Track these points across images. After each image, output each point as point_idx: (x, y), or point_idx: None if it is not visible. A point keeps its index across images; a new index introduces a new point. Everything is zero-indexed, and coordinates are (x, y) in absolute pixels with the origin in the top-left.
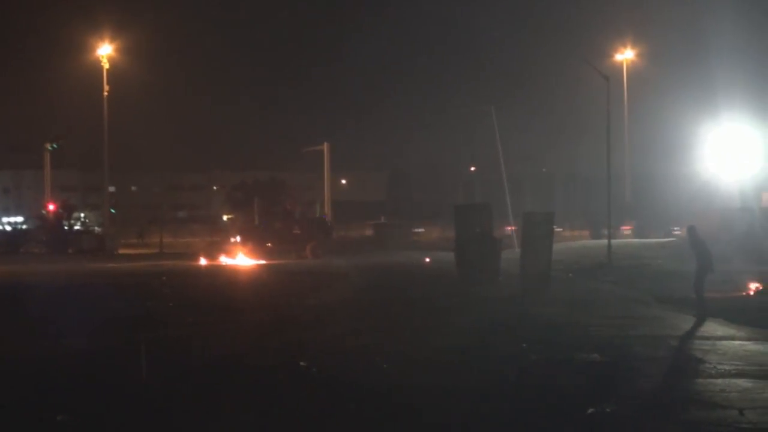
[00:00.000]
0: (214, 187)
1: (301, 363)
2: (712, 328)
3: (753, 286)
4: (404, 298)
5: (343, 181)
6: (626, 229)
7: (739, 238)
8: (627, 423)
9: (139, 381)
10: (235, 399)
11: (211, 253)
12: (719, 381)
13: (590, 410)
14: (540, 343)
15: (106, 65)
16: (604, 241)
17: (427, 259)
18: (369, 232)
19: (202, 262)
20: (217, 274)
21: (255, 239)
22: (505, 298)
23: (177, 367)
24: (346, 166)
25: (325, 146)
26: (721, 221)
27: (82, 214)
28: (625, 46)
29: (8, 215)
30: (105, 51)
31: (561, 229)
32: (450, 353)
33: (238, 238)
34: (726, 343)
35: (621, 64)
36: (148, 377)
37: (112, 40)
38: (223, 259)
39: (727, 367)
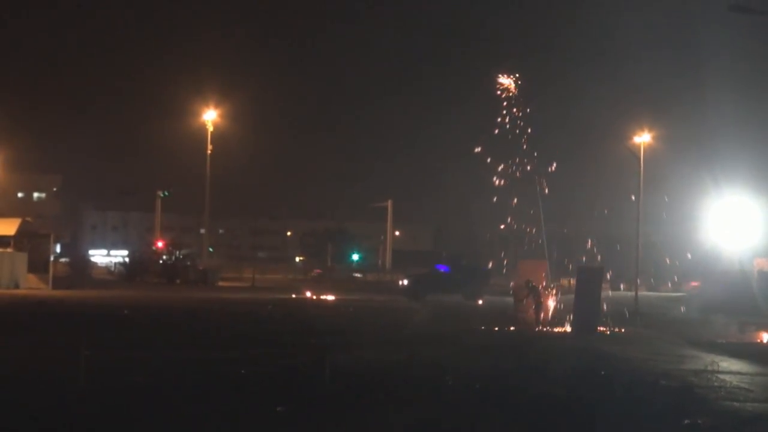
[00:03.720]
0: (288, 233)
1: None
2: (745, 367)
3: (764, 335)
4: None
5: (397, 233)
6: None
7: (738, 295)
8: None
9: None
10: None
11: (317, 289)
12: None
13: (686, 421)
14: (617, 372)
15: (210, 128)
16: (623, 293)
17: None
18: None
19: (308, 295)
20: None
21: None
22: (561, 336)
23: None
24: (397, 219)
25: (389, 204)
26: (724, 281)
27: (188, 251)
28: (642, 130)
29: (116, 249)
30: (210, 116)
31: None
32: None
33: (406, 282)
34: (759, 378)
35: (639, 145)
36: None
37: (216, 106)
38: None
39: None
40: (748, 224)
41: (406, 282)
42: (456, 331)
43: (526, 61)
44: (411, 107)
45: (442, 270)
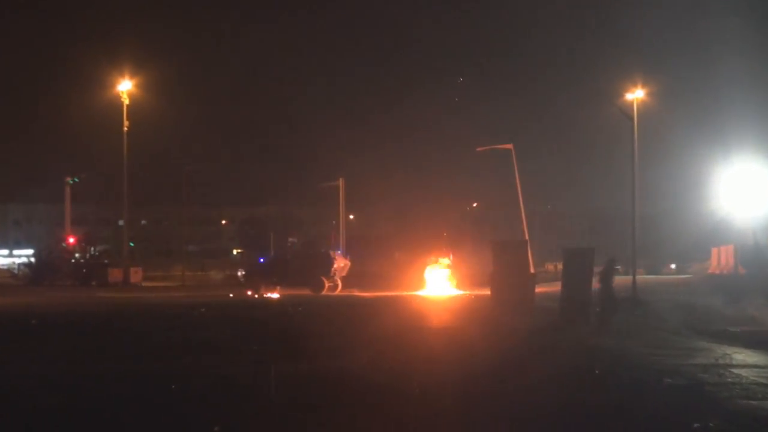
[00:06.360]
0: (223, 222)
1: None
2: (763, 359)
3: None
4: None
5: (351, 216)
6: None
7: (754, 274)
8: None
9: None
10: None
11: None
12: None
13: (696, 425)
14: (613, 370)
15: (126, 101)
16: (619, 277)
17: None
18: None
19: (249, 294)
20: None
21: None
22: (546, 329)
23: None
24: (351, 201)
25: (341, 182)
26: (738, 258)
27: (104, 247)
28: (635, 85)
29: (20, 247)
30: (125, 87)
31: None
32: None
33: (243, 273)
34: None
35: (631, 103)
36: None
37: (132, 76)
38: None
39: None
40: (760, 192)
41: (243, 273)
42: (420, 329)
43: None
44: (366, 75)
45: (261, 261)
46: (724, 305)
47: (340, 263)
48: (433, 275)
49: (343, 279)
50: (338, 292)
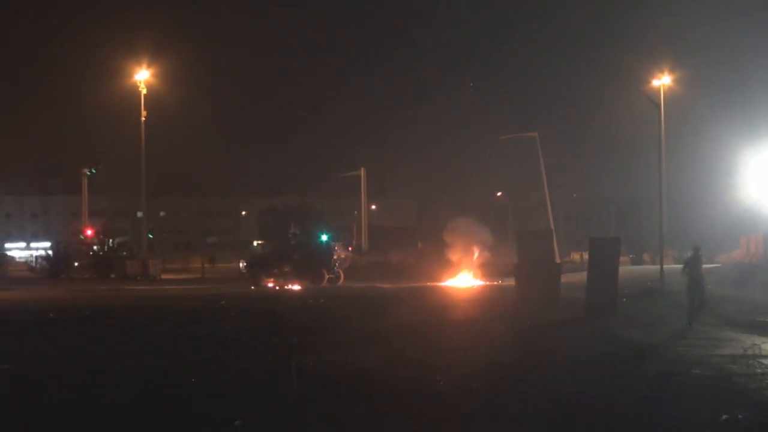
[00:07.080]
0: (243, 213)
1: None
2: None
3: None
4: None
5: (373, 207)
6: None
7: None
8: (757, 428)
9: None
10: None
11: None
12: None
13: (724, 416)
14: (640, 361)
15: (143, 90)
16: (647, 267)
17: None
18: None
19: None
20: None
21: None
22: (572, 320)
23: None
24: (374, 191)
25: (362, 172)
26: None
27: (123, 239)
28: (662, 72)
29: (37, 240)
30: (142, 76)
31: None
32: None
33: (244, 264)
34: None
35: (657, 89)
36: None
37: (150, 65)
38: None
39: None
40: None
41: (244, 264)
42: (443, 321)
43: None
44: (389, 65)
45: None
46: (745, 293)
47: (341, 255)
48: (456, 266)
49: (354, 270)
50: (342, 282)
